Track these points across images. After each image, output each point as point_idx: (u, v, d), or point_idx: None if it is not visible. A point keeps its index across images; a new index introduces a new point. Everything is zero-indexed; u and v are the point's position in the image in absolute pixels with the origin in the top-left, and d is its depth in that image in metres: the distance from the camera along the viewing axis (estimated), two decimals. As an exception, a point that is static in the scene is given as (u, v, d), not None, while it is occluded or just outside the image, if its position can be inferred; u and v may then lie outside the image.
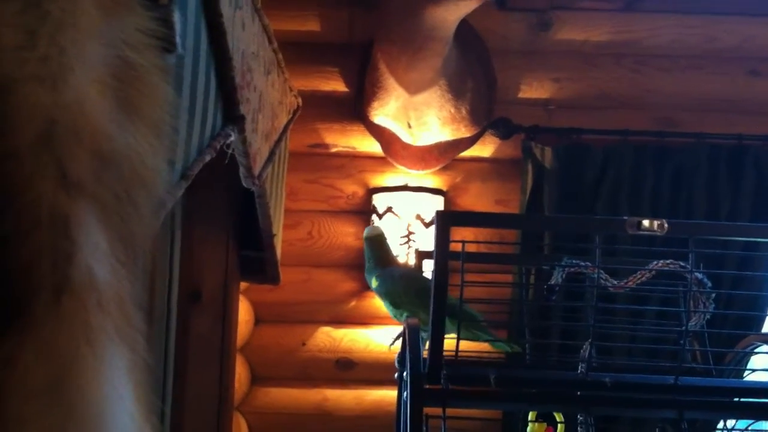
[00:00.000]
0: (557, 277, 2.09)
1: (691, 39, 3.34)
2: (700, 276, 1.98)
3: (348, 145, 3.32)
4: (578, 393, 1.95)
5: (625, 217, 1.80)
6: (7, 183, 0.92)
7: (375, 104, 3.12)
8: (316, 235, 3.30)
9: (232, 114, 1.75)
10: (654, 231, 1.78)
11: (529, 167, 3.23)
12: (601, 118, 3.28)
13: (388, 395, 3.16)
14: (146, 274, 1.89)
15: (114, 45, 1.02)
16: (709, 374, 2.25)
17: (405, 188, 3.25)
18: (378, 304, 3.21)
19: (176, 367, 2.28)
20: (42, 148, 0.93)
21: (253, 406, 3.26)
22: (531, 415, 2.36)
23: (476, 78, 3.21)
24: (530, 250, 3.13)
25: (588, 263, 1.99)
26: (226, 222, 2.51)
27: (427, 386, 1.85)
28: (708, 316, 2.04)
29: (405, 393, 1.94)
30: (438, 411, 1.82)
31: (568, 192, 3.19)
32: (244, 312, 3.10)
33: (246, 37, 1.82)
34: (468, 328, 2.31)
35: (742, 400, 2.01)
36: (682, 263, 1.96)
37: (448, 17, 2.62)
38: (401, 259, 3.06)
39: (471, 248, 1.98)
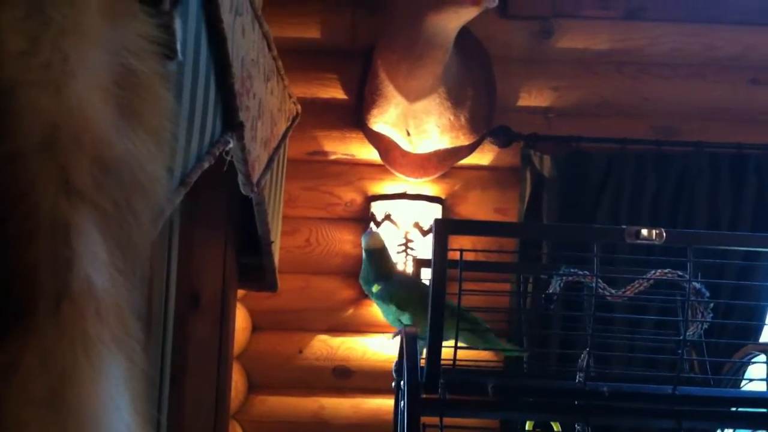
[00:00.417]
0: (555, 286, 2.09)
1: (692, 47, 3.34)
2: (698, 285, 1.98)
3: (347, 153, 3.31)
4: (576, 402, 1.94)
5: (624, 226, 1.80)
6: (9, 188, 0.92)
7: (374, 111, 3.12)
8: (314, 243, 3.29)
9: (231, 121, 1.74)
10: (652, 240, 1.78)
11: (528, 175, 3.23)
12: (601, 126, 3.27)
13: (385, 404, 3.15)
14: (144, 281, 1.89)
15: (116, 51, 1.02)
16: (707, 384, 2.25)
17: (403, 196, 3.24)
18: (376, 312, 3.20)
19: (173, 373, 2.27)
20: (44, 153, 0.93)
21: (250, 414, 3.25)
22: (528, 425, 2.35)
23: (476, 86, 3.21)
24: (529, 259, 3.13)
25: (586, 272, 1.99)
26: (224, 228, 2.50)
27: (425, 395, 1.85)
28: (706, 326, 2.04)
29: (402, 402, 1.94)
30: (435, 420, 1.82)
31: (567, 200, 3.19)
32: (241, 319, 3.10)
33: (246, 44, 1.82)
34: (474, 334, 2.31)
35: (739, 409, 2.01)
36: (680, 273, 1.96)
37: (449, 25, 2.62)
38: (399, 267, 3.04)
39: (469, 257, 1.97)
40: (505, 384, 2.00)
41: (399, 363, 2.07)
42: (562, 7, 3.34)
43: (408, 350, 1.93)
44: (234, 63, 1.67)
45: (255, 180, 2.11)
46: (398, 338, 2.20)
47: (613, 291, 2.00)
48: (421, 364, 1.89)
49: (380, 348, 3.22)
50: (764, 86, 3.34)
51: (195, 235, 2.33)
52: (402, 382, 1.97)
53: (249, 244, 2.60)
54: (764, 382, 2.23)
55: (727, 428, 2.17)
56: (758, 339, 3.08)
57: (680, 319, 2.06)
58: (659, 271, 1.99)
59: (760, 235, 2.88)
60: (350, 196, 3.30)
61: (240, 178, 1.99)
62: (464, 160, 3.29)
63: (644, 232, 1.78)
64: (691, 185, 3.19)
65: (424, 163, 3.23)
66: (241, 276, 2.71)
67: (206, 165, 1.60)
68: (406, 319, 2.46)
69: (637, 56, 3.35)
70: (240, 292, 2.88)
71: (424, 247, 3.10)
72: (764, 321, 3.11)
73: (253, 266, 2.72)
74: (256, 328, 3.26)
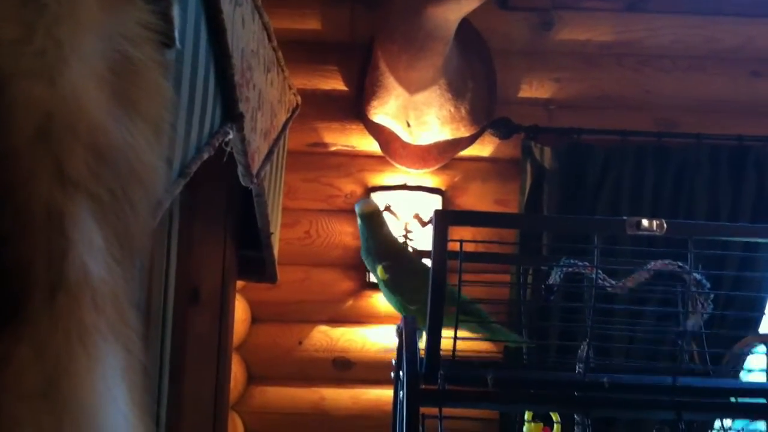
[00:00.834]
0: (555, 277, 2.08)
1: (692, 40, 3.34)
2: (698, 277, 1.98)
3: (347, 144, 3.31)
4: (576, 394, 1.94)
5: (625, 218, 1.80)
6: (3, 180, 0.91)
7: (375, 103, 3.11)
8: (314, 234, 3.29)
9: (231, 112, 1.74)
10: (653, 231, 1.77)
11: (529, 167, 3.23)
12: (601, 118, 3.27)
13: (384, 394, 3.14)
14: (143, 273, 1.89)
15: (112, 39, 1.01)
16: (707, 375, 2.24)
17: (404, 187, 3.24)
18: (376, 303, 3.20)
19: (173, 366, 2.26)
20: (38, 143, 0.92)
21: (250, 405, 3.25)
22: (527, 415, 2.35)
23: (477, 77, 3.20)
24: (529, 251, 3.13)
25: (586, 263, 1.99)
26: (223, 220, 2.50)
27: (424, 386, 1.85)
28: (706, 317, 2.04)
29: (401, 393, 1.93)
30: (435, 411, 1.81)
31: (567, 192, 3.19)
32: (240, 311, 3.09)
33: (246, 34, 1.81)
34: (480, 325, 2.31)
35: (739, 400, 2.01)
36: (680, 264, 1.96)
37: (450, 16, 2.61)
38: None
39: (469, 248, 1.97)
40: (505, 375, 2.00)
41: (399, 354, 2.07)
42: (562, -1, 3.34)
43: (407, 341, 1.93)
44: (234, 54, 1.66)
45: (255, 171, 2.10)
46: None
47: (614, 282, 1.99)
48: (421, 355, 1.88)
49: (380, 339, 3.22)
50: (765, 78, 3.34)
51: (194, 229, 2.32)
52: (401, 373, 1.97)
53: (249, 235, 2.60)
54: (764, 373, 2.23)
55: (727, 419, 2.17)
56: (758, 330, 3.08)
57: (680, 310, 2.06)
58: (660, 261, 1.98)
59: (761, 226, 2.89)
60: (350, 187, 3.30)
61: (240, 170, 1.98)
62: (465, 151, 3.29)
63: (645, 223, 1.77)
64: (691, 177, 3.19)
65: (424, 155, 3.23)
66: (241, 268, 2.71)
67: (206, 156, 1.60)
68: (414, 309, 2.46)
69: (637, 48, 3.34)
70: (239, 284, 2.88)
71: (424, 238, 3.10)
72: (764, 312, 3.11)
73: (253, 258, 2.72)
74: (255, 319, 3.26)
